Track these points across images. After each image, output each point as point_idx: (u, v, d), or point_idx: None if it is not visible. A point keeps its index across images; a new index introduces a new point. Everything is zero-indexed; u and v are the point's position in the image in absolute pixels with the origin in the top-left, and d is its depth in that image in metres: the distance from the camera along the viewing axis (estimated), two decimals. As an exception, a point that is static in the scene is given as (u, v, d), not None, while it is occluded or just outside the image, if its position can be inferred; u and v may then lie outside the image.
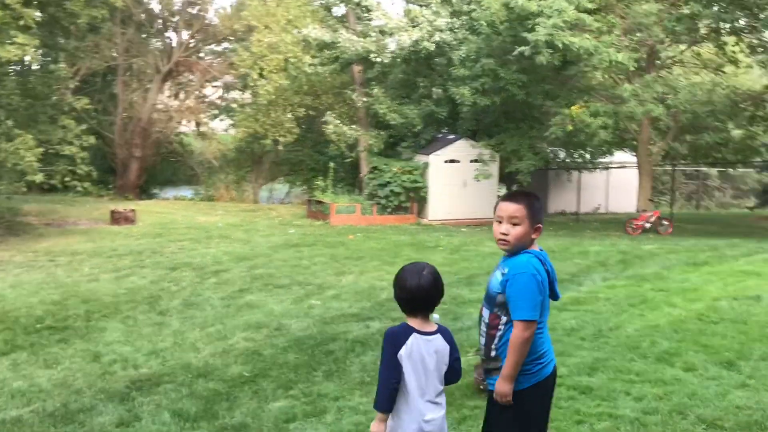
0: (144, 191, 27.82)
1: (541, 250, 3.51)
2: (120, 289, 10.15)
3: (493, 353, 3.52)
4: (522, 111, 20.74)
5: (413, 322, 3.20)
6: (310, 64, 22.21)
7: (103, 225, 17.64)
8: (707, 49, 19.14)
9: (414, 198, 21.15)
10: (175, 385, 5.95)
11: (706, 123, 17.38)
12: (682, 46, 18.63)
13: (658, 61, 18.30)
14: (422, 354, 3.14)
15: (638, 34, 15.78)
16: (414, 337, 3.14)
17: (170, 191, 29.84)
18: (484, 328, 3.57)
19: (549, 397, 3.61)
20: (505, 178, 22.25)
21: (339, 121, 21.63)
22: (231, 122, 28.43)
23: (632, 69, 15.31)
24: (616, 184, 25.95)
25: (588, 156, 22.64)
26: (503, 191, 22.40)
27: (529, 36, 14.78)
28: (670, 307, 7.81)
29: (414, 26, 20.04)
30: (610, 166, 24.73)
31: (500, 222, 3.50)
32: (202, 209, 22.79)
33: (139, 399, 5.62)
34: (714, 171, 28.75)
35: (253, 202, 26.76)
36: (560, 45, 14.50)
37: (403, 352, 3.10)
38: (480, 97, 17.33)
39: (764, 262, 10.68)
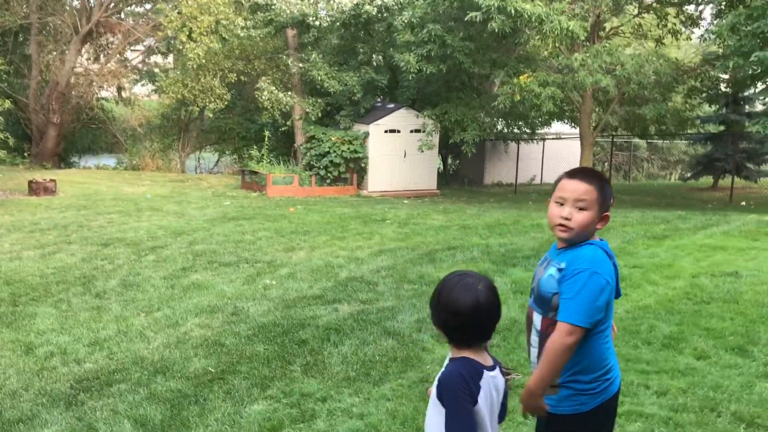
0: (63, 160, 26.01)
1: (602, 240, 2.93)
2: (47, 268, 9.13)
3: None
4: (461, 80, 20.28)
5: (469, 354, 2.40)
6: (242, 27, 21.02)
7: (20, 196, 16.24)
8: (649, 20, 19.09)
9: (354, 169, 20.46)
10: (130, 385, 5.18)
11: (649, 95, 17.34)
12: (628, 16, 18.52)
13: (602, 32, 18.11)
14: (492, 398, 2.40)
15: (582, 3, 15.44)
16: (485, 377, 2.37)
17: (91, 160, 28.05)
18: (536, 338, 2.95)
19: (613, 417, 3.05)
20: (444, 149, 21.83)
21: (274, 88, 20.60)
22: (154, 88, 26.85)
23: (582, 38, 14.98)
24: (551, 155, 25.99)
25: (526, 128, 22.46)
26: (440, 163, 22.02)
27: (482, 1, 14.21)
28: (651, 285, 7.50)
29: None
30: (546, 137, 24.71)
31: (561, 204, 2.89)
32: (127, 179, 21.43)
33: (90, 403, 4.83)
34: (643, 143, 29.22)
35: (180, 171, 25.46)
36: (512, 11, 13.99)
37: (481, 402, 2.33)
38: (426, 64, 16.70)
39: (724, 235, 10.60)
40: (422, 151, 19.43)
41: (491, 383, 2.39)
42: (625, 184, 26.79)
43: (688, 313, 6.33)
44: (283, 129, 22.18)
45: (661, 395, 4.56)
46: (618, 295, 2.98)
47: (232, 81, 22.90)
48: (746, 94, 20.99)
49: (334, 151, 19.98)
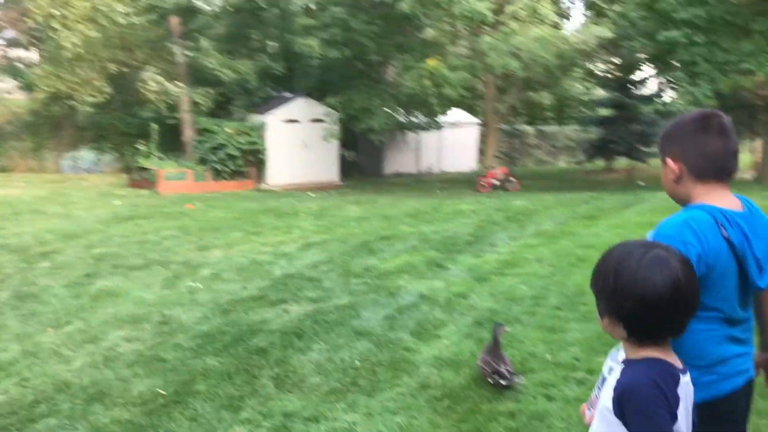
0: None
1: (747, 204, 2.28)
2: None
3: None
4: (358, 68, 19.63)
5: (658, 353, 1.76)
6: (122, 14, 19.34)
7: None
8: (545, 5, 19.18)
9: (252, 161, 19.39)
10: (60, 419, 4.16)
11: (551, 79, 17.42)
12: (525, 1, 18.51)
13: (502, 16, 17.99)
14: (689, 411, 1.77)
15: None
16: (682, 385, 1.73)
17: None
18: None
19: (728, 422, 2.43)
20: (340, 139, 21.09)
21: (161, 78, 19.12)
22: (19, 84, 24.46)
23: (491, 21, 14.73)
24: (449, 144, 25.89)
25: (425, 117, 22.08)
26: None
27: (392, -18, 13.65)
28: (613, 264, 7.17)
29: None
30: (444, 125, 24.49)
31: None
32: (-3, 181, 19.30)
33: (15, 448, 3.80)
34: (532, 130, 29.75)
35: (56, 172, 23.30)
36: (423, -8, 13.52)
37: (680, 419, 1.68)
38: (329, 48, 15.92)
39: (652, 212, 10.59)
40: (328, 141, 18.65)
41: (687, 392, 1.75)
42: (521, 170, 27.14)
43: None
44: (170, 122, 20.68)
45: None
46: (752, 278, 2.23)
47: (113, 72, 21.10)
48: (635, 77, 21.67)
49: (231, 144, 18.83)
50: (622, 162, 22.97)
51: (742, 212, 2.23)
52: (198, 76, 19.84)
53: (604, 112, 22.76)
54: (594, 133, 23.74)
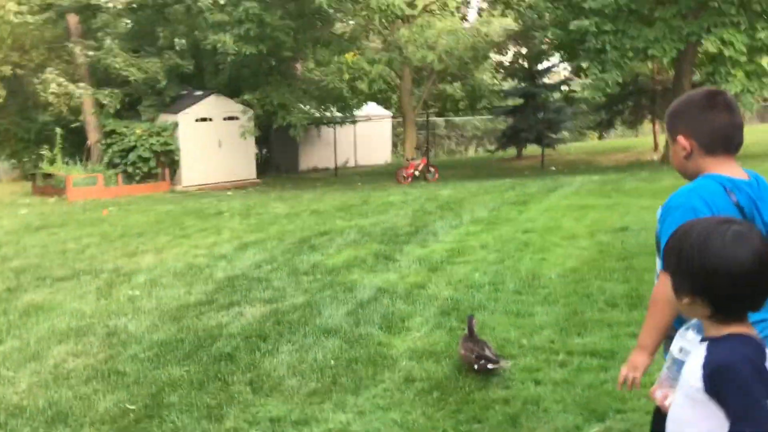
0: None
1: (754, 176, 2.36)
2: None
3: None
4: (269, 64, 19.28)
5: (743, 329, 1.74)
6: (16, 12, 18.20)
7: None
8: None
9: (165, 163, 18.72)
10: (24, 446, 3.85)
11: (464, 71, 17.68)
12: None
13: (414, 10, 18.10)
14: None
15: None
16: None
17: None
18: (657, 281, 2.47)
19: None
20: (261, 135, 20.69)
21: (63, 79, 18.13)
22: None
23: (407, 13, 14.78)
24: (363, 138, 25.87)
25: (339, 112, 21.97)
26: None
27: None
28: (558, 247, 7.34)
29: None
30: (358, 119, 24.45)
31: None
32: None
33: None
34: (442, 121, 30.15)
35: (-54, 182, 21.73)
36: (339, -15, 13.38)
37: None
38: (244, 44, 15.54)
39: (576, 195, 10.93)
40: (245, 139, 18.24)
41: None
42: (435, 160, 27.45)
43: (622, 270, 6.19)
44: (73, 126, 19.66)
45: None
46: None
47: (6, 75, 19.84)
48: (540, 67, 22.32)
49: (142, 145, 18.11)
50: (532, 149, 23.62)
51: (749, 181, 2.30)
52: (102, 77, 18.96)
53: (514, 101, 23.34)
54: (504, 122, 24.31)
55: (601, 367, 4.20)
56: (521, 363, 4.35)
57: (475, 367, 4.18)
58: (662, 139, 19.99)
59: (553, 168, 19.16)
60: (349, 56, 15.10)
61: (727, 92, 2.47)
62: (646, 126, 26.41)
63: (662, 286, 2.23)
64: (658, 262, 2.50)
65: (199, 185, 19.17)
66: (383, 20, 15.53)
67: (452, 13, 19.49)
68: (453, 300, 5.76)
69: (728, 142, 2.31)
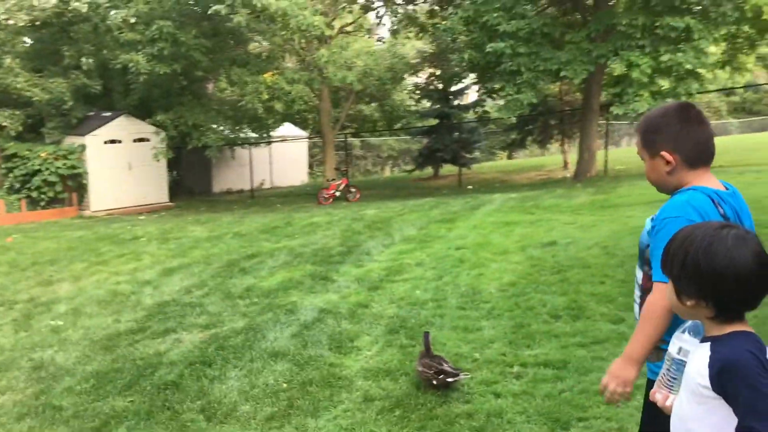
0: None
1: (729, 188, 2.48)
2: None
3: None
4: (180, 84, 18.84)
5: (743, 327, 1.82)
6: None
7: None
8: (369, 21, 19.70)
9: (72, 187, 17.91)
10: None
11: (382, 92, 17.84)
12: (353, 15, 18.85)
13: (331, 31, 18.18)
14: None
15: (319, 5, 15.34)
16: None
17: None
18: (638, 293, 2.54)
19: None
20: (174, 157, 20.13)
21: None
22: None
23: (327, 34, 14.80)
24: (279, 159, 25.64)
25: (254, 132, 21.69)
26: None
27: (226, -6, 13.24)
28: (492, 263, 7.43)
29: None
30: (272, 140, 24.24)
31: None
32: None
33: None
34: (358, 141, 30.29)
35: None
36: (258, 5, 13.24)
37: None
38: (157, 64, 15.13)
39: (499, 212, 11.15)
40: (157, 161, 17.70)
41: None
42: (353, 180, 27.49)
43: (558, 283, 6.34)
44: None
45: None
46: None
47: None
48: (454, 89, 22.82)
49: (47, 169, 17.27)
50: (448, 168, 24.04)
51: (728, 192, 2.40)
52: (2, 98, 18.01)
53: (430, 122, 23.73)
54: (420, 142, 24.63)
55: (557, 378, 4.27)
56: (478, 377, 4.37)
57: (434, 382, 4.17)
58: (572, 157, 20.76)
59: (470, 187, 19.53)
60: (267, 76, 14.94)
61: (696, 105, 2.56)
62: (553, 145, 27.42)
63: (659, 295, 2.24)
64: (639, 274, 2.56)
65: (109, 210, 18.46)
66: (302, 40, 15.48)
67: (367, 35, 19.70)
68: (399, 318, 5.74)
69: (707, 155, 2.40)
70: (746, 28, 17.21)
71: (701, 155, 2.39)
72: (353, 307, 6.17)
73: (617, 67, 14.54)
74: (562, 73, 14.54)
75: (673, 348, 2.05)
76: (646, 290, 2.44)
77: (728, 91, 30.23)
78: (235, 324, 6.06)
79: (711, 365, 1.77)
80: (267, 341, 5.45)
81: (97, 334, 6.31)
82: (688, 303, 1.86)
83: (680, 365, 2.00)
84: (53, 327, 6.70)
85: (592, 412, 3.77)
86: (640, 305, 2.48)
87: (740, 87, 29.03)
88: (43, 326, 6.76)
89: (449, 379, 4.12)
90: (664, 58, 13.76)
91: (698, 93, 15.73)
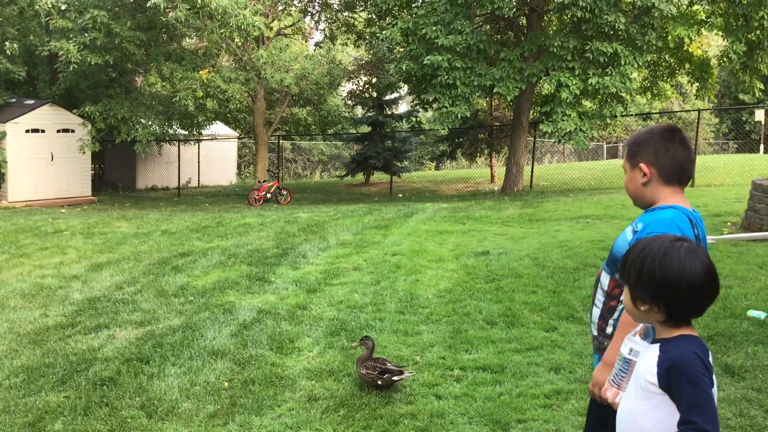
0: None
1: (695, 211, 2.68)
2: None
3: (609, 329, 2.64)
4: (109, 76, 18.34)
5: (691, 331, 2.01)
6: None
7: None
8: (307, 25, 19.66)
9: (-11, 176, 17.16)
10: None
11: (318, 95, 17.83)
12: (292, 18, 18.77)
13: (269, 33, 18.07)
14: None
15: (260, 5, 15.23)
16: (710, 357, 1.99)
17: None
18: (600, 297, 2.66)
19: None
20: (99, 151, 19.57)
21: None
22: None
23: (266, 34, 14.71)
24: (207, 157, 25.25)
25: (184, 129, 21.29)
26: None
27: (163, -13, 12.98)
28: (428, 269, 7.58)
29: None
30: (202, 138, 23.87)
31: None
32: None
33: None
34: (288, 144, 30.13)
35: None
36: (199, 1, 13.06)
37: (714, 386, 1.96)
38: (89, 54, 14.69)
39: (432, 221, 11.34)
40: (84, 152, 17.15)
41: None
42: (282, 183, 27.31)
43: (493, 291, 6.54)
44: None
45: (555, 371, 4.56)
46: None
47: None
48: (387, 98, 23.04)
49: (-37, 156, 16.50)
50: (379, 176, 24.22)
51: (697, 213, 2.61)
52: None
53: (363, 129, 23.86)
54: (350, 149, 24.69)
55: (495, 381, 4.42)
56: (420, 379, 4.48)
57: (379, 382, 4.25)
58: (499, 171, 21.28)
59: (401, 195, 19.76)
60: (203, 73, 14.73)
61: (682, 130, 2.75)
62: (479, 158, 28.01)
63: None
64: (606, 279, 2.70)
65: (28, 201, 17.77)
66: (239, 40, 15.32)
67: (304, 38, 19.68)
68: (339, 320, 5.79)
69: (684, 175, 2.57)
70: (667, 56, 18.15)
71: (677, 173, 2.56)
72: (292, 309, 6.19)
73: (547, 87, 15.05)
74: (496, 89, 14.94)
75: (624, 349, 2.22)
76: (611, 296, 2.59)
77: (645, 116, 31.67)
78: (171, 322, 5.98)
79: (660, 364, 1.96)
80: (206, 340, 5.41)
81: (23, 327, 6.10)
82: (642, 308, 2.04)
83: (630, 365, 2.18)
84: (-26, 320, 6.44)
85: (530, 414, 3.94)
86: (601, 309, 2.62)
87: (656, 113, 30.52)
88: (-37, 319, 6.49)
89: (395, 378, 4.21)
90: (593, 80, 14.35)
91: (621, 116, 16.44)
